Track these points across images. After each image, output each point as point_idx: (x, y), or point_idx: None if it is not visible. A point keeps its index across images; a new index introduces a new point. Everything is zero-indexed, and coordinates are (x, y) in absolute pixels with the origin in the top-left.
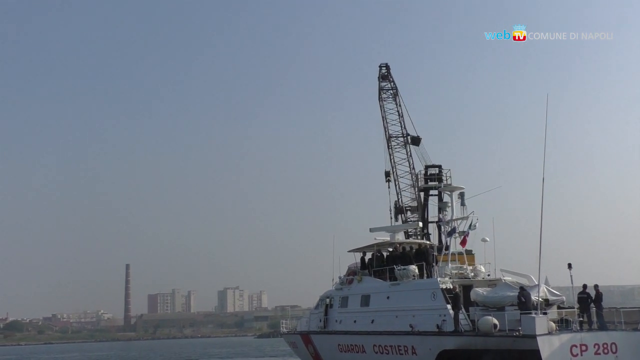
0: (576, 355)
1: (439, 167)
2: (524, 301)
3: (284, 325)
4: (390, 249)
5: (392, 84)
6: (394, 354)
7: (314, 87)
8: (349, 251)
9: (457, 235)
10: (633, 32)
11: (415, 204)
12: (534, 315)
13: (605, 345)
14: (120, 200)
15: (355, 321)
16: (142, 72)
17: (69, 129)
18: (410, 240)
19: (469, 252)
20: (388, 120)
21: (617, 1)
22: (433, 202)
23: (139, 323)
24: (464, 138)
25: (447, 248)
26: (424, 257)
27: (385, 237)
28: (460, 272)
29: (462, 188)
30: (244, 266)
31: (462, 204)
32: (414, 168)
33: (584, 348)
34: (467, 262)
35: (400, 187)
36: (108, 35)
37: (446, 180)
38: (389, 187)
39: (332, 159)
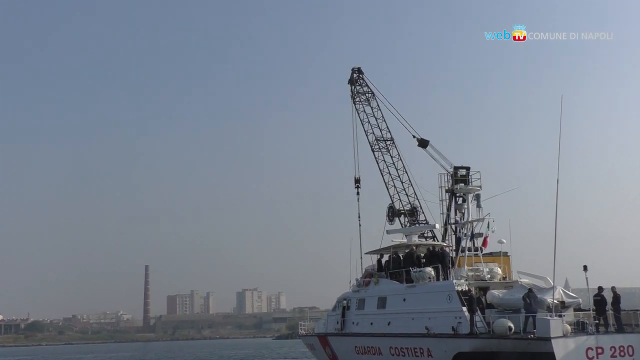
0: (592, 358)
1: (467, 168)
2: (529, 303)
3: (302, 327)
4: (407, 251)
5: (365, 87)
6: (410, 356)
7: (328, 87)
8: (366, 253)
9: (475, 236)
10: (633, 32)
11: (408, 207)
12: (548, 317)
13: (622, 348)
14: (139, 201)
15: (371, 323)
16: (177, 74)
17: (88, 130)
18: (427, 242)
19: (505, 254)
20: (372, 124)
21: (617, 1)
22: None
23: (158, 324)
24: (468, 139)
25: (468, 250)
26: (440, 259)
27: (402, 239)
28: (476, 274)
29: (478, 190)
30: (262, 267)
31: (478, 205)
32: (405, 170)
33: (599, 351)
34: (502, 264)
35: (398, 189)
36: (117, 35)
37: (471, 182)
38: (357, 194)
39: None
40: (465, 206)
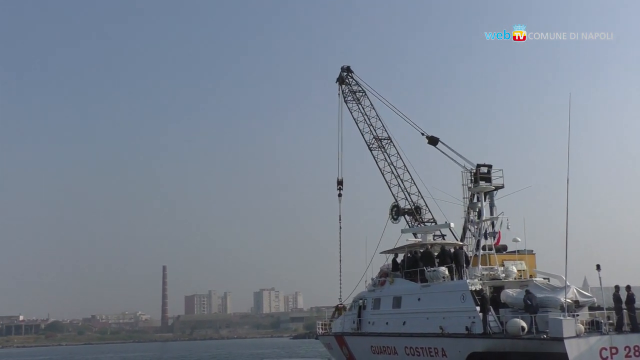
0: (606, 358)
1: (489, 166)
2: (529, 303)
3: (319, 327)
4: (422, 251)
5: (356, 86)
6: (424, 356)
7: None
8: (381, 252)
9: (489, 235)
10: (633, 32)
11: (411, 206)
12: (561, 317)
13: (636, 348)
14: (157, 202)
15: (387, 323)
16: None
17: (105, 130)
18: (442, 241)
19: (530, 252)
20: (367, 123)
21: (617, 1)
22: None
23: (176, 324)
24: (473, 137)
25: (484, 248)
26: (454, 259)
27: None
28: (491, 273)
29: (492, 188)
30: (279, 267)
31: (492, 204)
32: (407, 169)
33: (614, 351)
34: (527, 262)
35: (401, 188)
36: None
37: (492, 180)
38: (339, 196)
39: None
40: (480, 205)
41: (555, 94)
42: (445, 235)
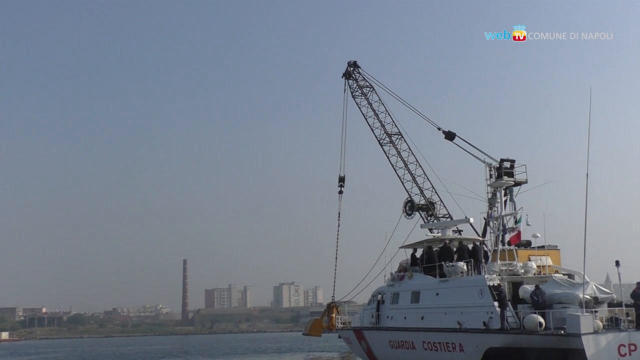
0: (624, 355)
1: (512, 161)
2: (536, 300)
3: (339, 321)
4: (441, 245)
5: (362, 81)
6: (442, 351)
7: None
8: (400, 247)
9: (508, 230)
10: (633, 32)
11: (424, 202)
12: (578, 313)
13: None
14: (177, 196)
15: (405, 317)
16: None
17: (123, 129)
18: (462, 236)
19: (554, 248)
20: (377, 119)
21: (617, 1)
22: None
23: (197, 318)
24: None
25: (503, 244)
26: (472, 254)
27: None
28: (510, 268)
29: (512, 183)
30: (299, 262)
31: (511, 199)
32: (419, 164)
33: (632, 347)
34: (551, 257)
35: (416, 182)
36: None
37: (515, 175)
38: (340, 193)
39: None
40: (499, 200)
41: (555, 94)
42: (462, 230)
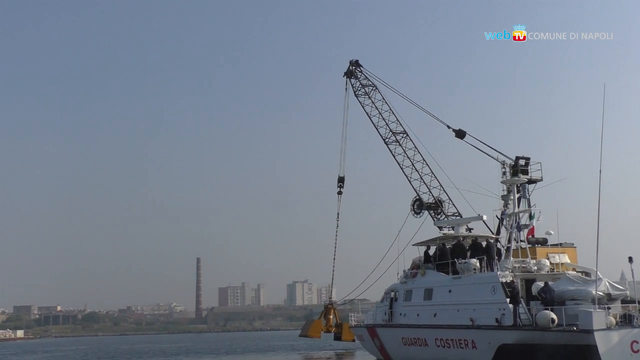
0: (637, 352)
1: (527, 159)
2: (544, 297)
3: (352, 319)
4: (454, 242)
5: (365, 80)
6: (455, 348)
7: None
8: (414, 245)
9: (521, 227)
10: (633, 32)
11: (432, 200)
12: (591, 310)
13: None
14: (190, 195)
15: (418, 314)
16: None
17: (135, 129)
18: (475, 233)
19: (570, 245)
20: (381, 117)
21: (617, 1)
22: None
23: (210, 316)
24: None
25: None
26: (485, 251)
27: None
28: (523, 265)
29: (525, 180)
30: (312, 260)
31: (524, 196)
32: (426, 163)
33: None
34: (568, 255)
35: (422, 182)
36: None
37: (531, 173)
38: (339, 194)
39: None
40: (512, 197)
41: (555, 93)
42: (472, 228)
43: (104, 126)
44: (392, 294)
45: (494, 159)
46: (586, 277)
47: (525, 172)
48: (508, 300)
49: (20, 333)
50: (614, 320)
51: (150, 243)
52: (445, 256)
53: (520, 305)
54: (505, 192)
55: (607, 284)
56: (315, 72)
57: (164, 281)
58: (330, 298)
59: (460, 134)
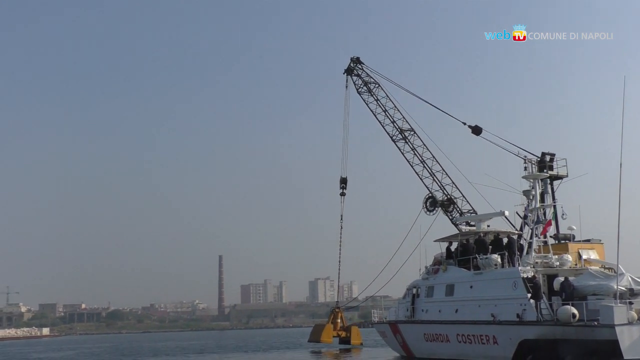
0: None
1: (552, 155)
2: (563, 292)
3: (375, 315)
4: (476, 238)
5: (367, 77)
6: (476, 344)
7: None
8: (435, 241)
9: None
10: (633, 32)
11: (442, 197)
12: (612, 304)
13: None
14: (213, 193)
15: (440, 310)
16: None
17: (155, 128)
18: (496, 229)
19: (598, 241)
20: (388, 115)
21: (617, 1)
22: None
23: (233, 313)
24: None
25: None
26: (506, 246)
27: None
28: (545, 261)
29: (546, 176)
30: (334, 257)
31: (546, 191)
32: (436, 160)
33: None
34: (596, 251)
35: (435, 178)
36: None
37: (558, 170)
38: (342, 195)
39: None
40: (533, 193)
41: (556, 93)
42: (489, 225)
43: (126, 124)
44: (414, 290)
45: (515, 154)
46: (608, 273)
47: (551, 168)
48: (529, 295)
49: (45, 331)
50: (635, 315)
51: (173, 241)
52: (467, 252)
53: (542, 300)
54: (530, 187)
55: (630, 279)
56: (329, 70)
57: (186, 279)
58: (337, 302)
59: (477, 130)
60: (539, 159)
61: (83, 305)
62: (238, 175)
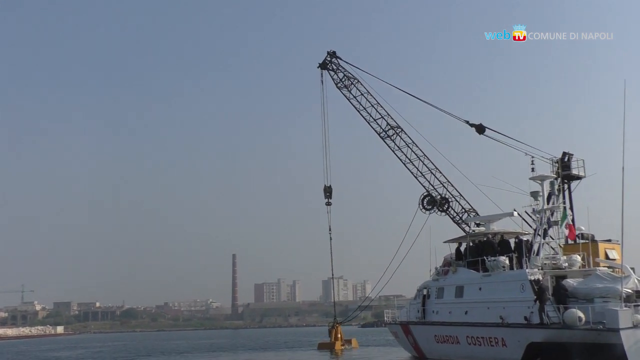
0: None
1: (570, 155)
2: (556, 296)
3: (388, 315)
4: (484, 239)
5: (343, 72)
6: (485, 346)
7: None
8: (445, 242)
9: (551, 224)
10: (633, 32)
11: (437, 196)
12: (617, 308)
13: None
14: (227, 192)
15: (450, 312)
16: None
17: (178, 128)
18: (506, 230)
19: (616, 242)
20: (369, 112)
21: (617, 1)
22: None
23: (246, 312)
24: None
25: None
26: (514, 248)
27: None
28: (553, 262)
29: (553, 177)
30: (347, 256)
31: (553, 193)
32: (427, 157)
33: None
34: (615, 251)
35: (426, 177)
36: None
37: (579, 170)
38: (328, 205)
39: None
40: (541, 193)
41: (556, 93)
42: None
43: (142, 124)
44: (425, 291)
45: (525, 153)
46: (616, 274)
47: (567, 168)
48: (535, 298)
49: (60, 329)
50: None
51: (187, 240)
52: (477, 253)
53: (549, 302)
54: (547, 187)
55: (637, 281)
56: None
57: (200, 278)
58: (335, 316)
59: (480, 129)
60: (557, 160)
61: (97, 304)
62: (253, 174)
